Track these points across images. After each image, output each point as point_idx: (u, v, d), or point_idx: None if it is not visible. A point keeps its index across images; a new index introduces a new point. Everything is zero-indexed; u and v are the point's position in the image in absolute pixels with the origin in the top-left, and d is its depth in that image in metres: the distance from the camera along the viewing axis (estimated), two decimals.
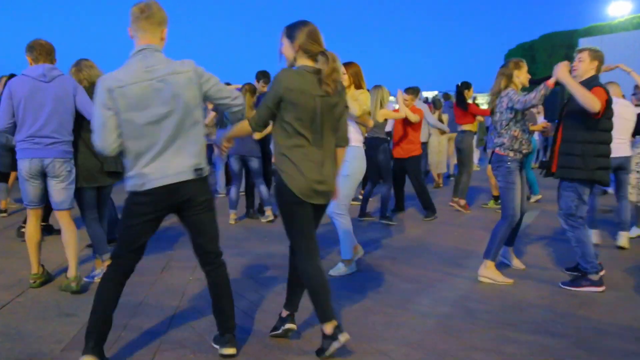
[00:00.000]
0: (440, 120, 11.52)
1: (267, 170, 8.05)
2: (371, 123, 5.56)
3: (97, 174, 4.98)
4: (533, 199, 9.49)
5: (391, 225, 7.77)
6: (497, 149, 5.22)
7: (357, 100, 5.32)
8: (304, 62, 3.30)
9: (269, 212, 7.94)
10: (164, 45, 3.25)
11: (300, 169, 3.28)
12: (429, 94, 24.94)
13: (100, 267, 5.10)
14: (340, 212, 5.26)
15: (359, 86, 5.52)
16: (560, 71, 4.78)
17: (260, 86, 8.46)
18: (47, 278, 5.02)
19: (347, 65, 5.43)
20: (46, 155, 4.61)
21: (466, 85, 9.09)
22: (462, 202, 8.86)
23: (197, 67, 3.21)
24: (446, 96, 13.71)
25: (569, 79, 4.76)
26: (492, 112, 5.32)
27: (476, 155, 12.95)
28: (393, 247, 6.64)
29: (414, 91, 8.50)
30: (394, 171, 8.34)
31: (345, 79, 5.33)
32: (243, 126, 3.44)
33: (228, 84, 9.65)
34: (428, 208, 8.27)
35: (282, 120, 3.29)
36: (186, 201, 3.20)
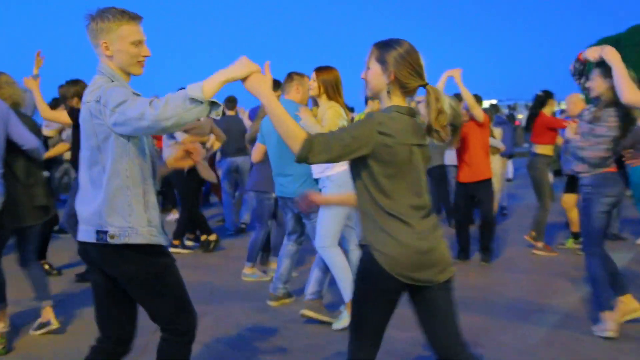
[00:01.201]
0: (493, 136, 9.48)
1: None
2: None
3: (25, 212, 4.24)
4: None
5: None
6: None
7: (321, 119, 4.47)
8: (395, 100, 2.50)
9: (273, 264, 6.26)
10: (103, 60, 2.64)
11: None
12: (485, 103, 21.74)
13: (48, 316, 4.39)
14: (326, 244, 4.54)
15: (332, 98, 4.60)
16: (610, 51, 3.94)
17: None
18: None
19: (319, 71, 4.65)
20: None
21: (548, 96, 7.36)
22: (540, 243, 7.20)
23: (100, 92, 2.51)
24: (494, 108, 11.60)
25: (620, 63, 3.87)
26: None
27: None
28: None
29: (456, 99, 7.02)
30: (457, 201, 6.91)
31: (314, 87, 4.65)
32: (291, 137, 2.41)
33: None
34: (489, 250, 6.78)
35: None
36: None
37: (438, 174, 8.46)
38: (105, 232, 2.50)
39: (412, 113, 2.49)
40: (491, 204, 6.72)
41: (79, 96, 5.52)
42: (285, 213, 5.13)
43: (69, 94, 5.53)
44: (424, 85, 2.49)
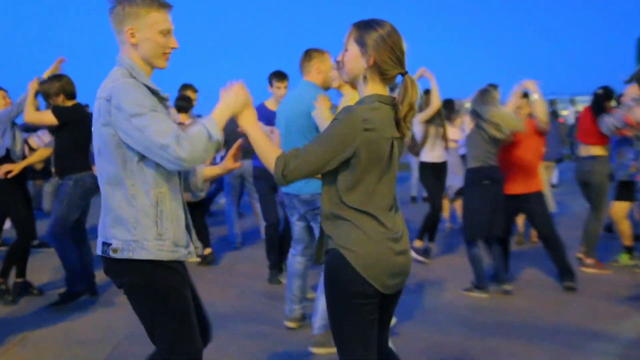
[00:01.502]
0: None
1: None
2: None
3: None
4: None
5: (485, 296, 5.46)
6: None
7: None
8: (376, 87, 2.32)
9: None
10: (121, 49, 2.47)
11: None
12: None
13: None
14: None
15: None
16: None
17: (277, 92, 5.95)
18: None
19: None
20: None
21: (608, 93, 6.32)
22: (590, 260, 6.30)
23: (113, 91, 2.31)
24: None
25: None
26: None
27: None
28: (485, 323, 4.69)
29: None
30: (497, 214, 5.79)
31: (335, 77, 4.21)
32: (267, 162, 2.33)
33: (188, 87, 7.49)
34: (567, 270, 5.63)
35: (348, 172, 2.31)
36: None
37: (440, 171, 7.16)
38: (109, 245, 2.37)
39: (395, 104, 2.28)
40: (548, 216, 5.74)
41: (65, 93, 5.06)
42: (292, 215, 4.42)
43: (52, 91, 5.01)
44: (403, 74, 2.30)
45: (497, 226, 5.41)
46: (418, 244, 6.80)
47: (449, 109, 7.73)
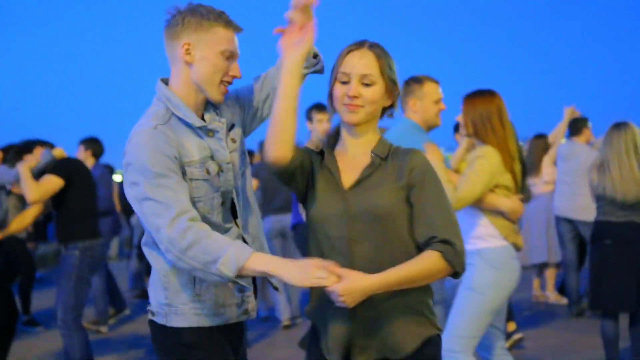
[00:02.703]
0: None
1: None
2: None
3: None
4: None
5: None
6: None
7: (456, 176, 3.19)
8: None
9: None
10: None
11: None
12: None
13: None
14: (454, 349, 3.05)
15: (485, 139, 3.11)
16: None
17: (318, 127, 4.88)
18: None
19: (467, 101, 3.20)
20: None
21: None
22: None
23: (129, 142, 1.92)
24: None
25: None
26: None
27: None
28: None
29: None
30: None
31: (463, 124, 3.22)
32: None
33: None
34: None
35: None
36: None
37: None
38: (149, 306, 2.06)
39: None
40: None
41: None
42: None
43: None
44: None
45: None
46: None
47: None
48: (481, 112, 3.10)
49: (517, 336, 4.87)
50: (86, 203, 4.36)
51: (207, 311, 1.96)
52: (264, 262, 1.77)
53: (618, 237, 3.95)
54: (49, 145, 4.74)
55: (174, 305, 1.96)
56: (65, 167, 4.30)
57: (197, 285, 1.94)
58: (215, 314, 1.98)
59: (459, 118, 3.25)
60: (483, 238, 3.13)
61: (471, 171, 3.01)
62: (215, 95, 1.96)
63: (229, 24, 1.95)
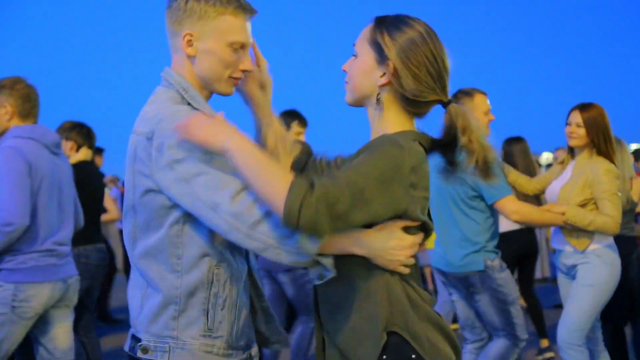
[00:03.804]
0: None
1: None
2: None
3: None
4: None
5: None
6: None
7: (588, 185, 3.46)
8: (402, 118, 1.58)
9: None
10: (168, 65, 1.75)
11: None
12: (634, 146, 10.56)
13: None
14: (576, 342, 3.36)
15: (604, 152, 3.42)
16: None
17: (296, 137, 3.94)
18: None
19: (582, 110, 3.45)
20: (69, 272, 3.23)
21: None
22: None
23: (157, 124, 1.56)
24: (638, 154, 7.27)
25: None
26: None
27: None
28: None
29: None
30: None
31: (578, 134, 3.47)
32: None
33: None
34: None
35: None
36: None
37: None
38: (138, 341, 1.63)
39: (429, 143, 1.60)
40: None
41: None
42: (448, 294, 3.67)
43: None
44: (445, 104, 1.57)
45: None
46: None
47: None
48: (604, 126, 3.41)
49: (548, 355, 4.85)
50: (88, 208, 3.88)
51: (217, 350, 1.65)
52: (353, 240, 1.51)
53: None
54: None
55: (181, 339, 1.62)
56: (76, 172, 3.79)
57: (209, 317, 1.63)
58: (224, 355, 1.67)
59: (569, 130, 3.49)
60: (595, 239, 3.45)
61: (613, 193, 3.32)
62: (224, 89, 1.71)
63: (238, 9, 1.65)
